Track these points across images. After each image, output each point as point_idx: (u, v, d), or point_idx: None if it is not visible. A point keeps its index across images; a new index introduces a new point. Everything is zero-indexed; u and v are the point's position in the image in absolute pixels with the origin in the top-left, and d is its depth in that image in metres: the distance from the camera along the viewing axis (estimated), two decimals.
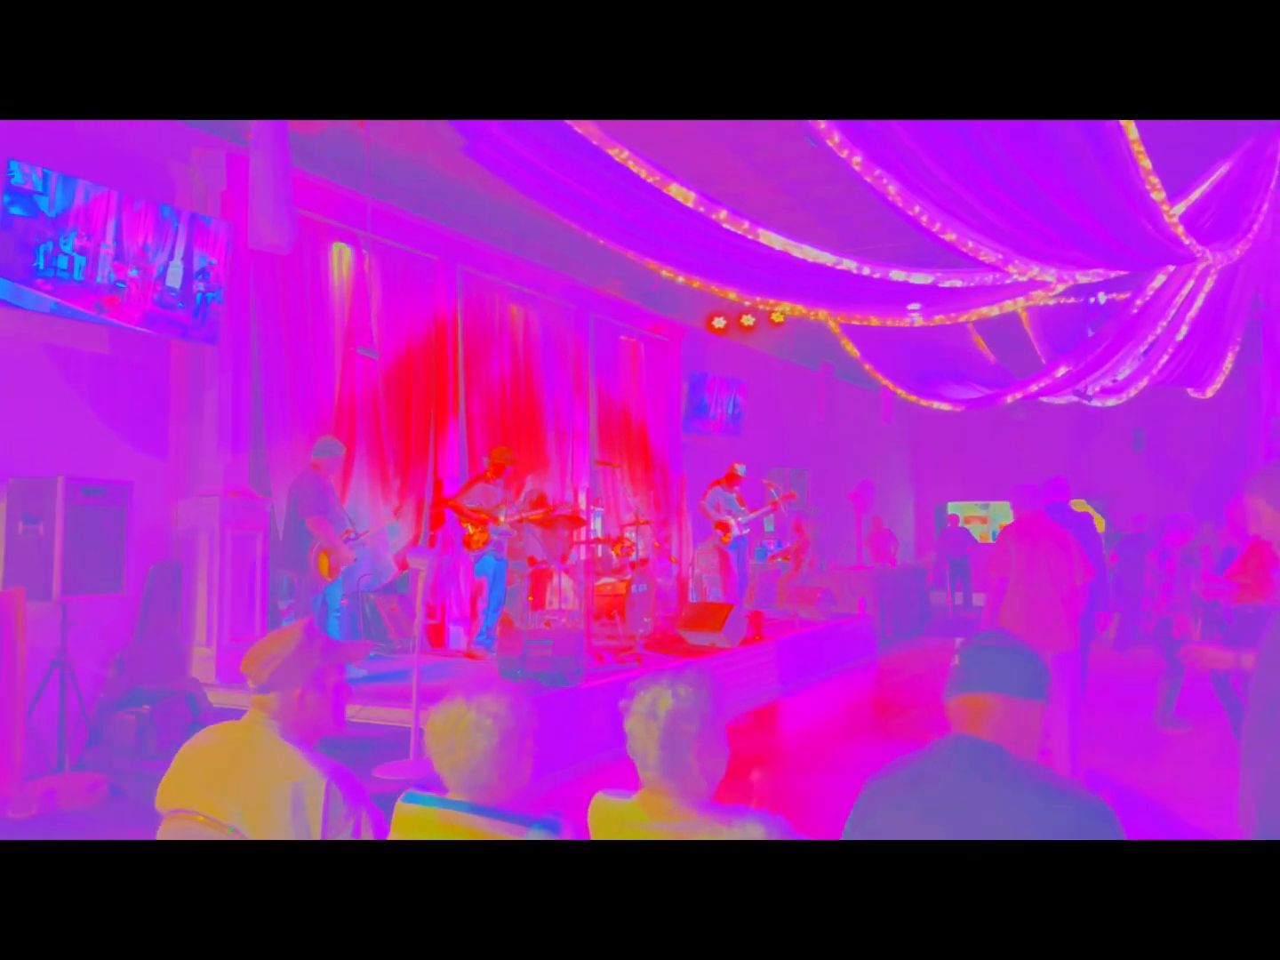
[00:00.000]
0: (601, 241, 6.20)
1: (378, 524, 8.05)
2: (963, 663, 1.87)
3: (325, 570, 6.65)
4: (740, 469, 9.93)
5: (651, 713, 1.99)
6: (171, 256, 6.01)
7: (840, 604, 12.02)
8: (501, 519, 7.98)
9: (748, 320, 12.56)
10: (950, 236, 5.43)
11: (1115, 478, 17.92)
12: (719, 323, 12.66)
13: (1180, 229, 5.55)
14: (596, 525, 10.59)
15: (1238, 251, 6.71)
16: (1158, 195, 5.05)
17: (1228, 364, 10.85)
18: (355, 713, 5.97)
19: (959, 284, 6.53)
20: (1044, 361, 11.32)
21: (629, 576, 9.16)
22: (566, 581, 9.11)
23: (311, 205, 7.59)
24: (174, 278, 6.02)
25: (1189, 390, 12.45)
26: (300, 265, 7.51)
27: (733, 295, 7.06)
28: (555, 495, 10.23)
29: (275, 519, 7.11)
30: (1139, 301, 8.44)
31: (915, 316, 7.67)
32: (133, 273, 5.83)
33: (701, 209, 5.09)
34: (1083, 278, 6.66)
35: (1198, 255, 6.05)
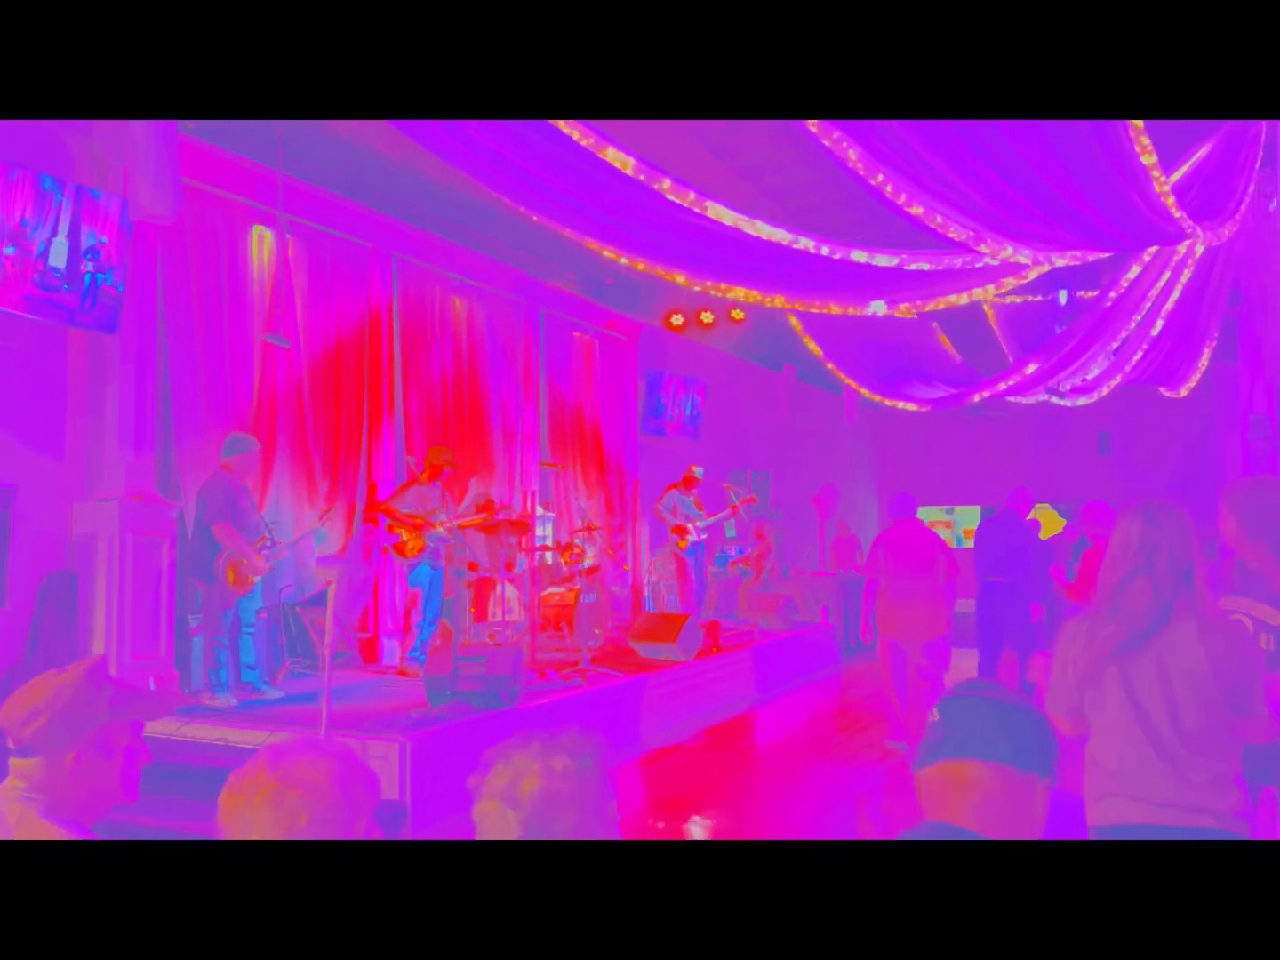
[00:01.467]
0: (535, 217, 5.65)
1: (301, 530, 7.44)
2: (942, 718, 1.35)
3: (234, 581, 6.04)
4: (698, 471, 9.43)
5: (510, 796, 1.41)
6: (54, 233, 5.38)
7: (803, 612, 11.56)
8: (438, 525, 7.40)
9: (706, 317, 12.06)
10: (917, 210, 4.94)
11: (1081, 482, 17.64)
12: (677, 320, 12.14)
13: (1171, 200, 5.10)
14: (547, 531, 10.05)
15: (1226, 232, 6.30)
16: (1148, 159, 4.59)
17: (1203, 361, 10.52)
18: (264, 740, 5.39)
19: (926, 267, 6.04)
20: (1011, 360, 10.93)
21: (578, 585, 8.61)
22: (511, 591, 8.54)
23: (229, 184, 7.00)
24: (58, 257, 5.39)
25: (1162, 389, 12.12)
26: (215, 249, 6.90)
27: (681, 279, 6.56)
28: (502, 499, 9.66)
29: (185, 525, 6.49)
30: (1112, 294, 8.05)
31: (879, 305, 7.18)
32: (9, 250, 5.20)
33: (641, 177, 4.55)
34: (1060, 260, 6.20)
35: (1188, 232, 5.61)
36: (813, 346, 11.67)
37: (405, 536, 7.33)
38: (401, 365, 8.63)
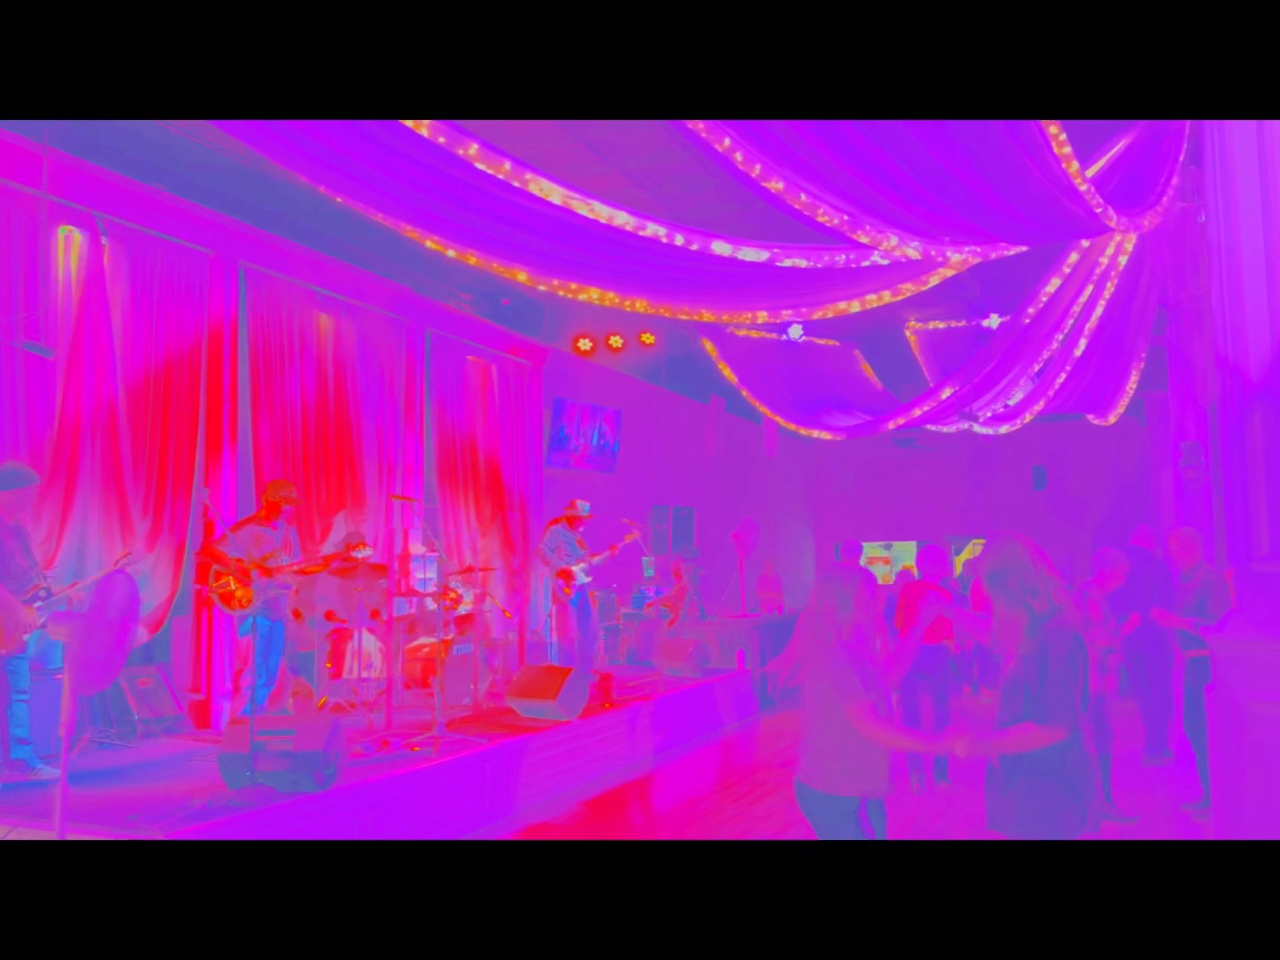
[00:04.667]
0: (323, 190, 4.76)
1: (88, 578, 6.42)
2: None
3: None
4: (583, 507, 8.53)
5: None
6: None
7: (717, 658, 10.69)
8: (273, 570, 6.43)
9: (615, 341, 11.31)
10: (776, 186, 4.13)
11: (1016, 517, 17.09)
12: (585, 345, 11.38)
13: (1081, 181, 4.34)
14: (430, 574, 9.08)
15: (1147, 222, 5.62)
16: (1062, 150, 3.88)
17: (1131, 384, 9.93)
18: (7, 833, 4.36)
19: (803, 264, 5.23)
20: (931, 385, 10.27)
21: (449, 635, 7.65)
22: (372, 642, 7.56)
23: (28, 179, 6.03)
24: None
25: (1089, 417, 11.54)
26: (26, 255, 5.91)
27: (523, 276, 5.70)
28: (376, 539, 8.70)
29: None
30: (1031, 310, 7.38)
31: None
32: None
33: (442, 140, 3.69)
34: (956, 256, 5.45)
35: (1105, 219, 4.86)
36: (727, 373, 10.94)
37: (232, 585, 6.34)
38: (251, 387, 7.67)
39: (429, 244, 5.23)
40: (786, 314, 6.49)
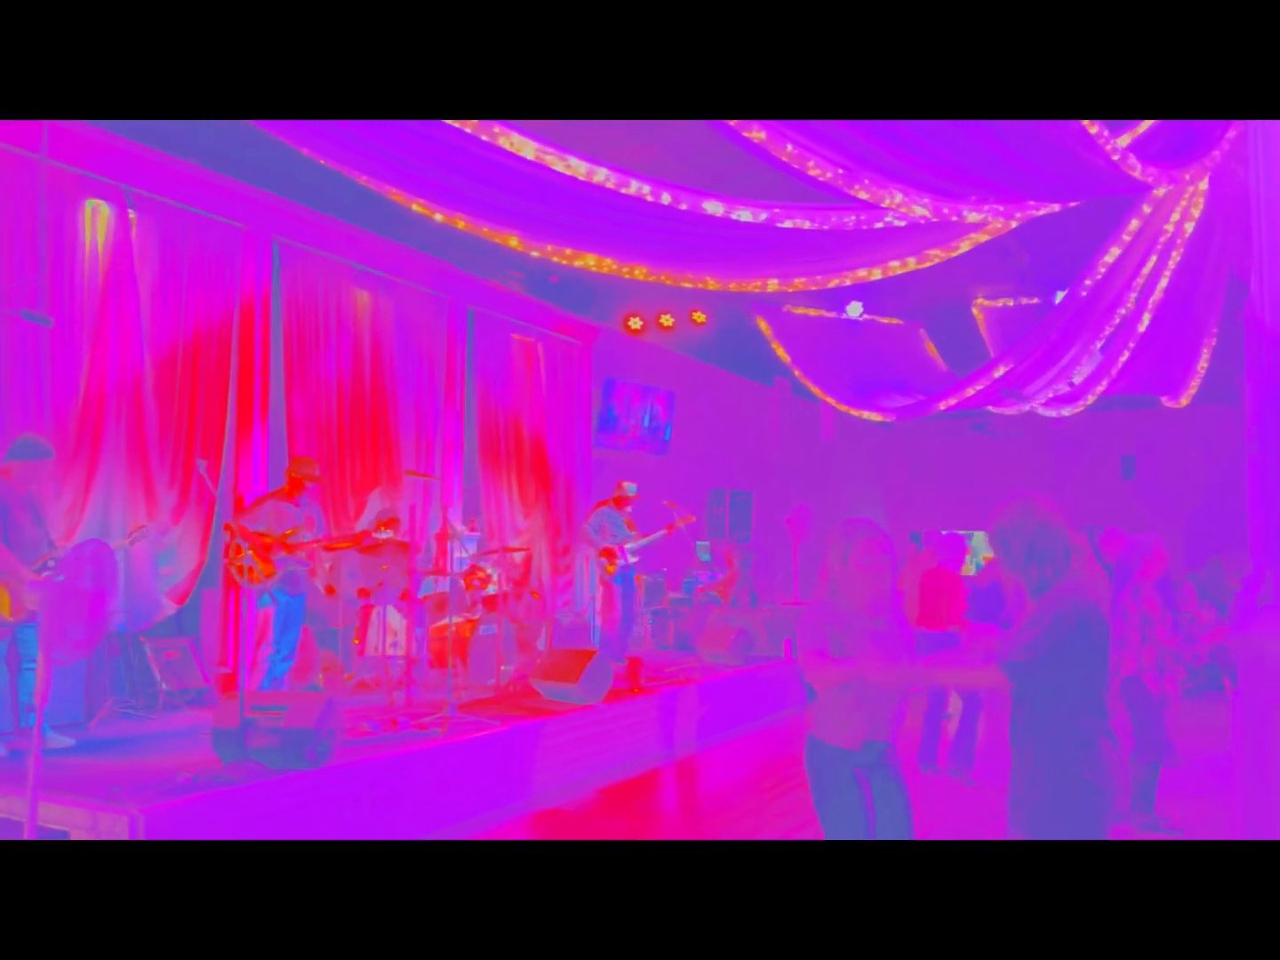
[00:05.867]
0: (289, 142, 4.58)
1: (139, 555, 6.49)
2: None
3: (6, 610, 5.07)
4: (630, 488, 8.34)
5: None
6: None
7: (764, 647, 10.38)
8: (295, 546, 6.41)
9: (666, 320, 11.04)
10: (758, 136, 3.81)
11: (1105, 508, 16.25)
12: (635, 323, 11.13)
13: (1094, 126, 3.89)
14: (470, 553, 9.00)
15: (1189, 177, 5.07)
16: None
17: (1202, 363, 9.21)
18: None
19: (806, 225, 4.87)
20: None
21: (476, 615, 7.56)
22: (399, 620, 7.51)
23: (55, 152, 6.07)
24: None
25: (1163, 399, 10.81)
26: (31, 224, 5.97)
27: (514, 242, 5.49)
28: (411, 516, 8.66)
29: None
30: (1088, 281, 6.84)
31: (771, 281, 6.05)
32: None
33: None
34: (973, 215, 5.00)
35: (1126, 168, 4.38)
36: (780, 352, 10.59)
37: (254, 559, 6.33)
38: (284, 362, 7.67)
39: (416, 207, 5.07)
40: (800, 282, 6.13)
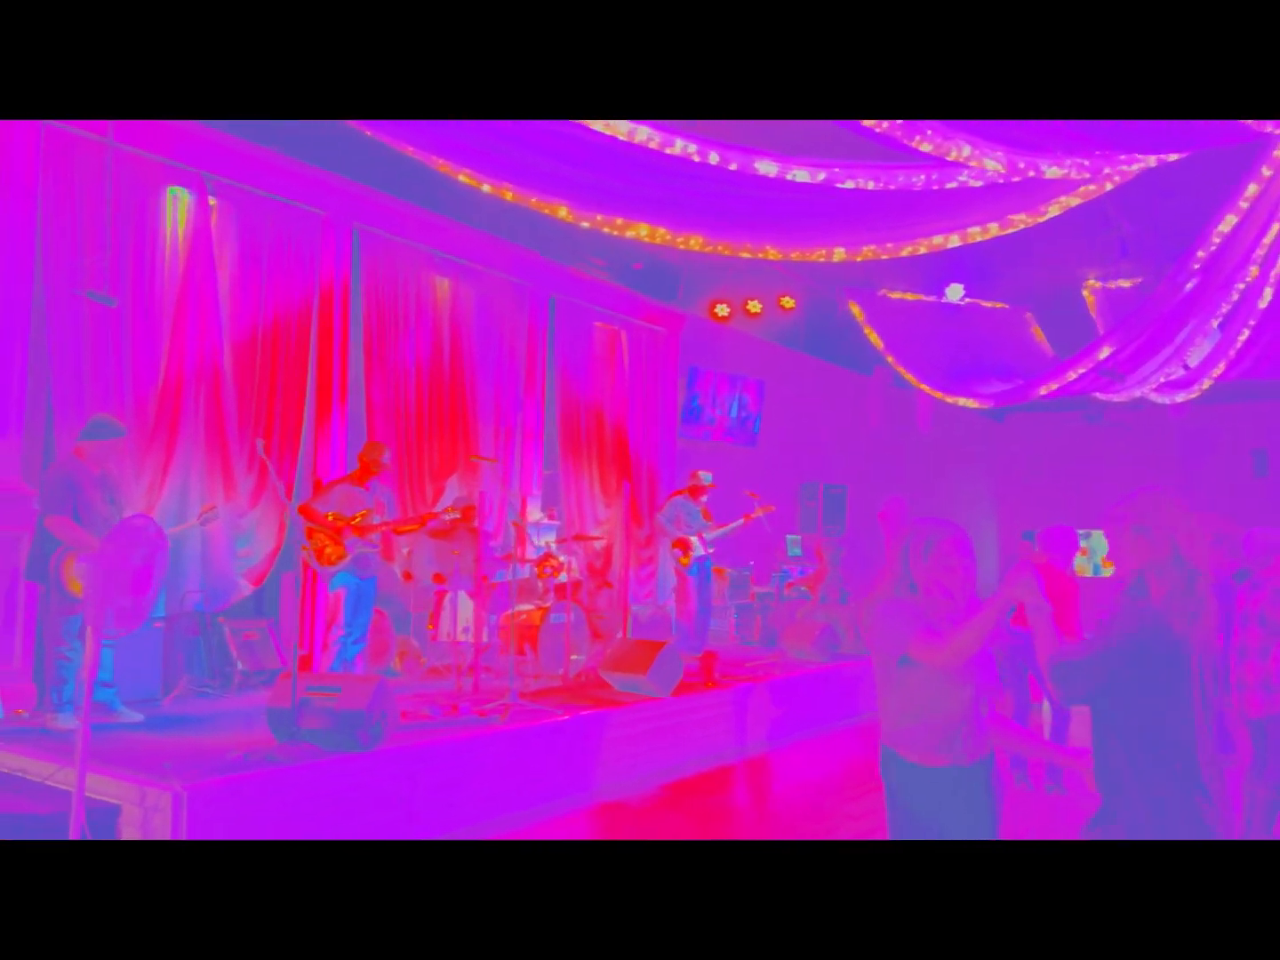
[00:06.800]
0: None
1: (216, 536, 6.61)
2: None
3: (72, 584, 5.19)
4: (705, 477, 8.11)
5: None
6: None
7: (852, 644, 9.99)
8: (364, 529, 6.42)
9: (754, 306, 10.74)
10: None
11: (1234, 506, 15.16)
12: (721, 310, 10.87)
13: None
14: (548, 542, 8.93)
15: None
16: None
17: None
18: (51, 773, 4.49)
19: (870, 185, 4.51)
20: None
21: (547, 603, 7.46)
22: (471, 607, 7.46)
23: (137, 140, 6.23)
24: None
25: None
26: (116, 211, 6.12)
27: (564, 213, 5.29)
28: (493, 503, 8.63)
29: None
30: (1200, 253, 6.26)
31: (837, 250, 5.68)
32: None
33: None
34: (1053, 170, 4.51)
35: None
36: (873, 338, 10.18)
37: (324, 541, 6.38)
38: (364, 348, 7.72)
39: (463, 178, 4.96)
40: (869, 250, 5.73)
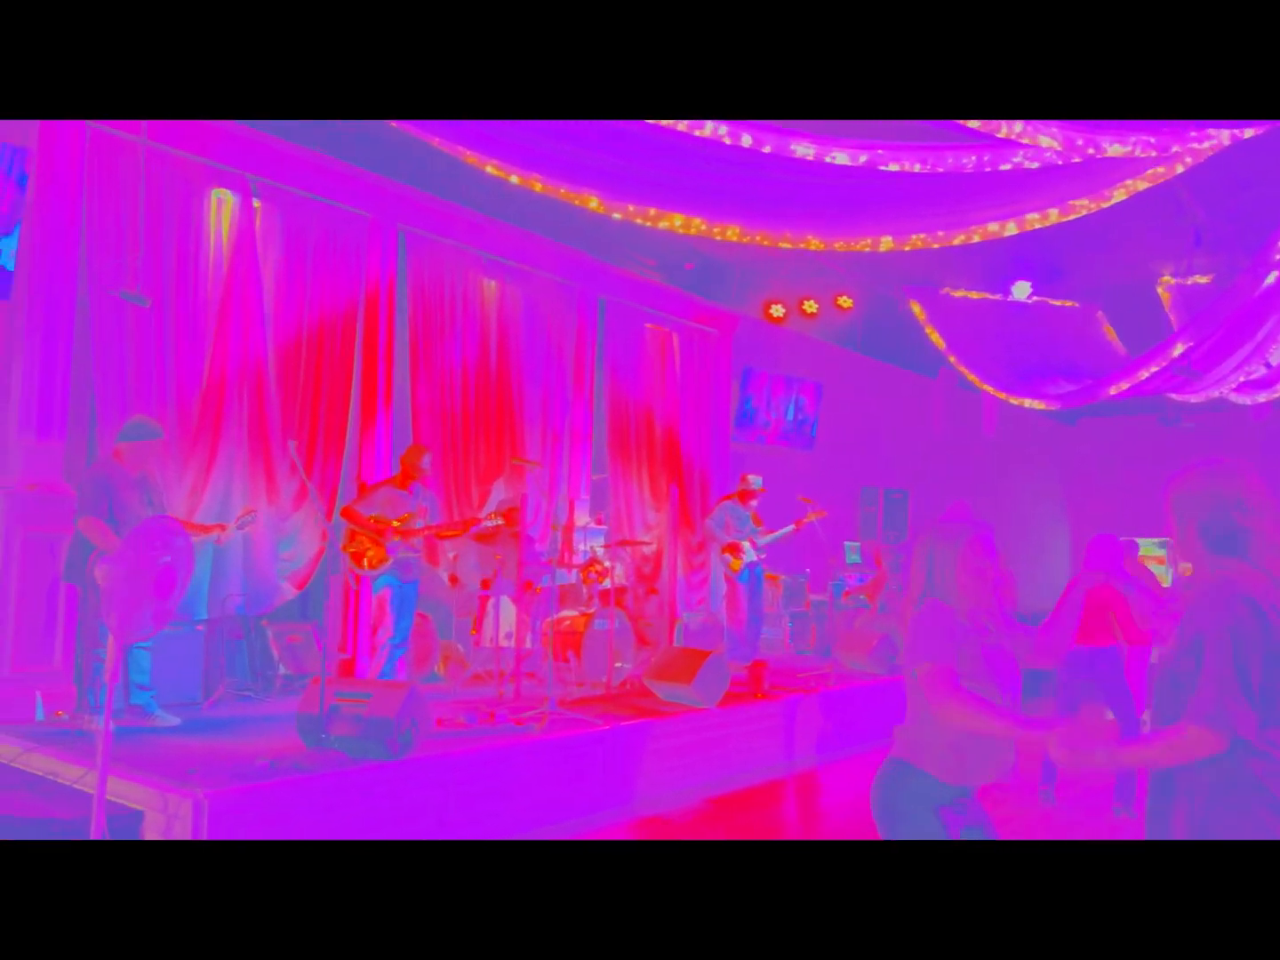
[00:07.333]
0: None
1: (259, 539, 6.59)
2: None
3: None
4: (755, 481, 7.88)
5: None
6: None
7: None
8: (406, 532, 6.34)
9: (810, 306, 10.46)
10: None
11: None
12: (777, 310, 10.61)
13: None
14: (596, 547, 8.78)
15: None
16: None
17: None
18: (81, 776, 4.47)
19: (916, 168, 4.22)
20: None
21: (591, 610, 7.31)
22: (514, 612, 7.35)
23: (181, 142, 6.25)
24: None
25: None
26: (156, 214, 6.15)
27: (594, 203, 5.09)
28: (538, 506, 8.52)
29: None
30: None
31: (884, 240, 5.38)
32: None
33: None
34: (1115, 147, 4.14)
35: None
36: (935, 337, 9.82)
37: (365, 545, 6.32)
38: (410, 351, 7.67)
39: (490, 169, 4.82)
40: (919, 239, 5.41)
